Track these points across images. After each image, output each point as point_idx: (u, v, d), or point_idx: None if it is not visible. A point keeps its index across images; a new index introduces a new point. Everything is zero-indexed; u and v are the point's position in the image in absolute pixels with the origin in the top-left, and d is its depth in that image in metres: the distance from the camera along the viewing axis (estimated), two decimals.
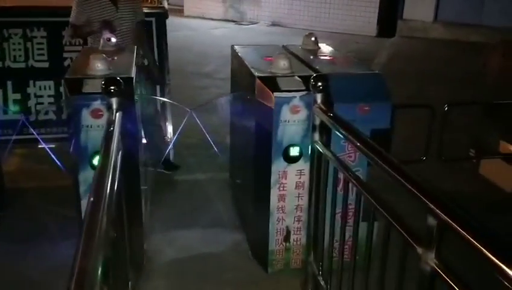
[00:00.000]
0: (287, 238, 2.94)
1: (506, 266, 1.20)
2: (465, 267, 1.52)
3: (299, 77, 2.81)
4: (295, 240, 2.94)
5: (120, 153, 2.35)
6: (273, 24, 12.26)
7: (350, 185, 2.27)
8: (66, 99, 2.60)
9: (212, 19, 12.74)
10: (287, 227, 2.92)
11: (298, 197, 2.86)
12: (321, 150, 2.59)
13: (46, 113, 4.20)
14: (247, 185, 3.20)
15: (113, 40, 3.33)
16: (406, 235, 1.74)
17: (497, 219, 3.76)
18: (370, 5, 11.09)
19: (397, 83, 7.64)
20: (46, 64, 4.19)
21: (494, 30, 9.67)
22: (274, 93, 2.68)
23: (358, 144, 2.14)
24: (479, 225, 1.39)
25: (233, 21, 12.71)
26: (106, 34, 3.36)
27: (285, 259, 2.97)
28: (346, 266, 2.32)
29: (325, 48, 3.63)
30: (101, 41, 3.32)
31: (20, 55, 4.12)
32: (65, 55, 4.19)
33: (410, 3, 10.99)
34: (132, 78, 2.65)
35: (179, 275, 3.01)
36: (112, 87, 2.33)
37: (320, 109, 2.57)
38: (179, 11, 13.00)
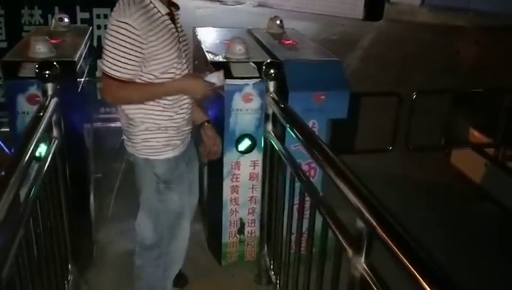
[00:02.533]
0: (241, 230, 2.84)
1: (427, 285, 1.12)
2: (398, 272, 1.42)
3: (254, 63, 2.67)
4: (249, 232, 2.84)
5: (56, 141, 2.24)
6: (260, 5, 12.00)
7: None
8: (2, 83, 2.45)
9: None
10: (240, 219, 2.81)
11: (252, 188, 2.75)
12: (273, 142, 2.48)
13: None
14: (201, 175, 3.07)
15: (66, 20, 3.16)
16: (339, 235, 1.65)
17: (468, 210, 3.71)
18: None
19: (379, 68, 7.53)
20: (4, 45, 4.00)
21: (481, 15, 9.52)
22: (225, 80, 2.54)
23: (301, 137, 2.03)
24: (408, 236, 1.29)
25: (219, 0, 12.43)
26: (60, 14, 3.19)
27: (239, 252, 2.88)
28: (299, 260, 2.22)
29: (291, 33, 3.48)
30: (53, 21, 3.15)
31: None
32: (24, 35, 3.99)
33: None
34: (74, 61, 2.50)
35: (131, 268, 2.90)
36: (47, 72, 2.19)
37: (272, 98, 2.45)
38: None
